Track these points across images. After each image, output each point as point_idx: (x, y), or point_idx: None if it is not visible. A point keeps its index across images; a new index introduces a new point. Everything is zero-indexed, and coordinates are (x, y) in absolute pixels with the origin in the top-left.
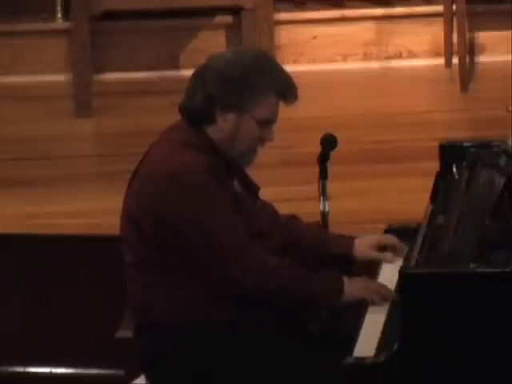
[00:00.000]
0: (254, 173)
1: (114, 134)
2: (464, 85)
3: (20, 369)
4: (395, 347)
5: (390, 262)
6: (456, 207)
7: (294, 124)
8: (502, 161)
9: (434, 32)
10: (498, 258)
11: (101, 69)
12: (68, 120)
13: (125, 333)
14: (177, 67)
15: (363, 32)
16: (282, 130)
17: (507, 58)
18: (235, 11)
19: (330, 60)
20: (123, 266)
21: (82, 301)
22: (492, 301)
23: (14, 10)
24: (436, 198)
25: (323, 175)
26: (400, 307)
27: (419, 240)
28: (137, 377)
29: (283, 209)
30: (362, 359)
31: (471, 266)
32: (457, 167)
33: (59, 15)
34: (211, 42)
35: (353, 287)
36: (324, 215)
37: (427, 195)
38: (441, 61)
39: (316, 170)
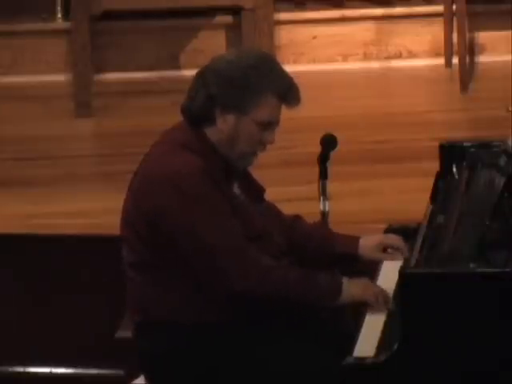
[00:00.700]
0: (254, 173)
1: (114, 134)
2: (464, 85)
3: (20, 369)
4: (395, 347)
5: (395, 260)
6: (456, 207)
7: (294, 124)
8: (502, 161)
9: (434, 32)
10: (498, 258)
11: (101, 69)
12: (68, 120)
13: (125, 333)
14: (177, 67)
15: (363, 32)
16: (282, 131)
17: (507, 57)
18: (235, 11)
19: (330, 60)
20: (123, 266)
21: (82, 301)
22: (492, 301)
23: (14, 10)
24: (436, 198)
25: (323, 175)
26: (400, 307)
27: (419, 240)
28: (137, 377)
29: (283, 209)
30: (361, 359)
31: (471, 265)
32: (457, 167)
33: (59, 15)
34: (211, 42)
35: (351, 289)
36: (324, 215)
37: (427, 195)
38: (441, 61)
39: (316, 169)
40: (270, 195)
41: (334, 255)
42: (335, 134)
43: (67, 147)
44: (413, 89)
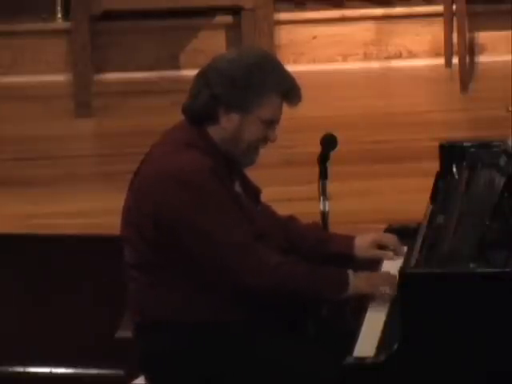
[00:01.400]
0: (254, 173)
1: (114, 134)
2: (464, 85)
3: (20, 369)
4: (395, 347)
5: (391, 259)
6: (456, 207)
7: (294, 124)
8: (502, 161)
9: (434, 32)
10: (498, 258)
11: (101, 69)
12: (68, 120)
13: (125, 333)
14: (177, 67)
15: (363, 32)
16: (282, 130)
17: (507, 57)
18: (235, 11)
19: (330, 60)
20: (123, 266)
21: (82, 301)
22: (492, 301)
23: (14, 9)
24: (436, 198)
25: (323, 175)
26: (400, 307)
27: (419, 240)
28: (137, 377)
29: (283, 209)
30: (362, 359)
31: (471, 265)
32: (457, 167)
33: (59, 15)
34: (211, 42)
35: (357, 282)
36: (324, 215)
37: (427, 195)
38: (441, 61)
39: (316, 169)
40: (270, 195)
41: (329, 255)
42: (335, 133)
43: (67, 147)
44: (413, 89)
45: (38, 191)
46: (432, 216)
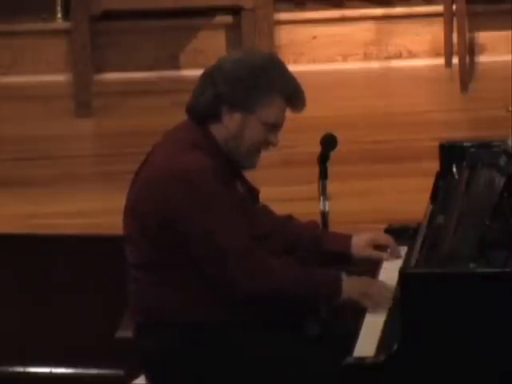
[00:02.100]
0: (254, 173)
1: (114, 134)
2: (464, 85)
3: (20, 369)
4: (395, 347)
5: (386, 259)
6: (456, 207)
7: (294, 124)
8: (502, 161)
9: (434, 32)
10: (498, 258)
11: (101, 69)
12: (68, 120)
13: (125, 333)
14: (177, 67)
15: (363, 32)
16: (282, 130)
17: (507, 57)
18: (235, 11)
19: (330, 60)
20: (123, 266)
21: (82, 301)
22: (492, 301)
23: (14, 9)
24: (436, 198)
25: (323, 175)
26: (400, 307)
27: (419, 240)
28: (137, 377)
29: (283, 209)
30: (361, 359)
31: (471, 265)
32: (457, 167)
33: (59, 15)
34: (211, 42)
35: (351, 288)
36: (324, 215)
37: (427, 195)
38: (441, 61)
39: (316, 169)
40: (270, 195)
41: (326, 253)
42: (335, 133)
43: (67, 147)
44: (413, 89)
45: (38, 191)
46: (432, 216)
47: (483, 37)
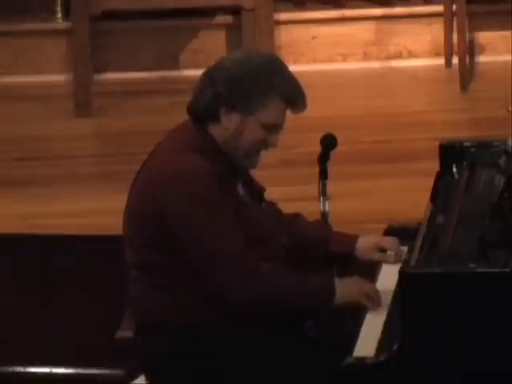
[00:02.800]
0: (254, 173)
1: (114, 134)
2: (464, 85)
3: (20, 369)
4: (395, 347)
5: (392, 263)
6: (456, 207)
7: (294, 124)
8: (502, 161)
9: (433, 32)
10: (498, 258)
11: (101, 69)
12: (68, 120)
13: (125, 333)
14: (177, 67)
15: (363, 32)
16: (282, 131)
17: (507, 57)
18: (235, 11)
19: (330, 60)
20: (123, 266)
21: (82, 301)
22: (492, 301)
23: (14, 9)
24: (436, 198)
25: (323, 175)
26: (400, 307)
27: (419, 240)
28: (137, 377)
29: (284, 209)
30: (361, 359)
31: (471, 266)
32: (457, 167)
33: (59, 15)
34: (211, 42)
35: (345, 290)
36: (324, 215)
37: (427, 195)
38: (441, 61)
39: (316, 170)
40: (270, 195)
41: (331, 253)
42: (335, 133)
43: (67, 147)
44: (413, 89)
45: (38, 191)
46: (432, 216)
47: (483, 37)
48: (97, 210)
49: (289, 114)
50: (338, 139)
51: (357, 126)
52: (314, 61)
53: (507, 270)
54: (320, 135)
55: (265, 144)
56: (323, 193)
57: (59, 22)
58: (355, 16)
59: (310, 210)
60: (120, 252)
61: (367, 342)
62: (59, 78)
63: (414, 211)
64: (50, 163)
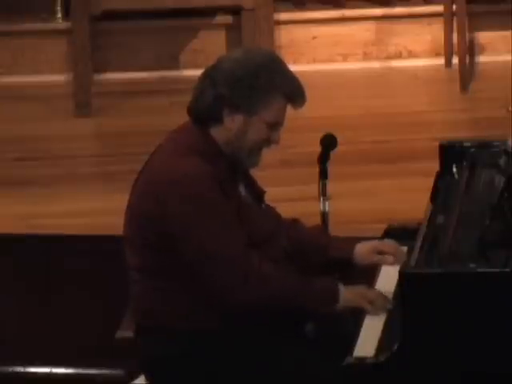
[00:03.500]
0: (254, 173)
1: (114, 134)
2: (464, 85)
3: (20, 369)
4: (395, 347)
5: (391, 264)
6: (456, 207)
7: (294, 124)
8: (502, 161)
9: (433, 32)
10: (498, 258)
11: (101, 69)
12: (68, 120)
13: (125, 333)
14: (177, 67)
15: (363, 32)
16: (282, 130)
17: (507, 57)
18: (235, 11)
19: (330, 60)
20: (123, 266)
21: (82, 301)
22: (492, 301)
23: (14, 10)
24: (436, 198)
25: (323, 175)
26: (400, 307)
27: (419, 240)
28: (137, 377)
29: (283, 209)
30: (361, 359)
31: (471, 266)
32: (457, 167)
33: (59, 15)
34: (211, 42)
35: (348, 296)
36: (324, 215)
37: (427, 195)
38: (441, 61)
39: (316, 170)
40: (270, 195)
41: (330, 259)
42: (335, 133)
43: (67, 147)
44: (413, 89)
45: (38, 191)
46: (432, 216)
47: (483, 37)
48: (97, 210)
49: (288, 114)
50: (338, 139)
51: (357, 126)
52: (314, 61)
53: (507, 269)
54: (320, 135)
55: (267, 142)
56: (323, 193)
57: (59, 22)
58: (355, 16)
59: (310, 210)
60: (120, 252)
61: (367, 342)
62: (59, 78)
63: (414, 211)
64: (50, 163)
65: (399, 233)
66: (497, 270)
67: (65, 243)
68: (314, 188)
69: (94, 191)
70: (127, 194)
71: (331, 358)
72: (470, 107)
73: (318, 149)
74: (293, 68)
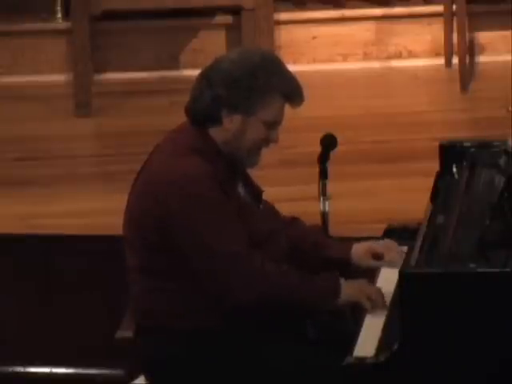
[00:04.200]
0: (254, 173)
1: (114, 134)
2: (464, 85)
3: (20, 369)
4: (395, 347)
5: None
6: (456, 207)
7: (294, 124)
8: (502, 161)
9: (433, 32)
10: (498, 258)
11: (101, 69)
12: (68, 120)
13: (125, 333)
14: (177, 67)
15: (363, 32)
16: (282, 130)
17: (507, 57)
18: (235, 11)
19: (330, 60)
20: (123, 266)
21: (82, 301)
22: (492, 301)
23: (14, 9)
24: (436, 198)
25: (323, 175)
26: (400, 307)
27: (419, 240)
28: (137, 377)
29: (283, 209)
30: (362, 359)
31: (471, 266)
32: (457, 167)
33: (59, 15)
34: (211, 42)
35: (349, 290)
36: (324, 215)
37: (427, 195)
38: (441, 61)
39: (316, 170)
40: (270, 195)
41: (327, 259)
42: (335, 133)
43: (67, 147)
44: (413, 89)
45: (38, 191)
46: (432, 216)
47: (483, 37)
48: (97, 210)
49: (288, 114)
50: (338, 139)
51: (357, 126)
52: (314, 61)
53: (507, 269)
54: (320, 135)
55: (266, 141)
56: (323, 193)
57: (59, 22)
58: (355, 16)
59: (310, 210)
60: (120, 252)
61: (367, 341)
62: (59, 77)
63: (414, 211)
64: (49, 163)
65: (399, 233)
66: (497, 270)
67: (65, 243)
68: (314, 188)
69: (94, 191)
70: (127, 193)
71: (331, 358)
72: (470, 107)
73: (318, 149)
74: (293, 68)
